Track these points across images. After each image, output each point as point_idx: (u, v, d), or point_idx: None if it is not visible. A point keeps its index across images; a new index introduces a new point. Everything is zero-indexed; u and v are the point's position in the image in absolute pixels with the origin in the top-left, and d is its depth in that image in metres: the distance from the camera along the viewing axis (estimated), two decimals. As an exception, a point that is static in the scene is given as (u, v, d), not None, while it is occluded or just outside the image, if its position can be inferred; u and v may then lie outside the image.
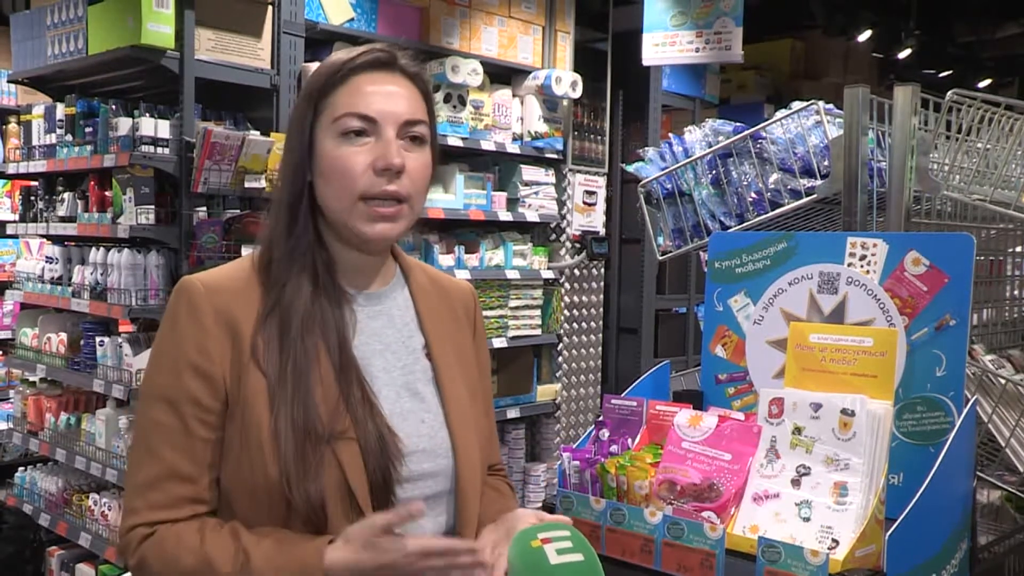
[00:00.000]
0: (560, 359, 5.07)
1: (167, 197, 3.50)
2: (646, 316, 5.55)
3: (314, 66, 1.44)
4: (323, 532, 1.26)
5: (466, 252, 4.48)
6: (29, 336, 4.16)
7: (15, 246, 5.16)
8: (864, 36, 7.50)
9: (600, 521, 1.64)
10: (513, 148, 4.71)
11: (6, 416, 4.89)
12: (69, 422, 3.92)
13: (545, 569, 1.23)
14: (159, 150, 3.41)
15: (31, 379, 4.25)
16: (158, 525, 1.27)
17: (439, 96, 4.31)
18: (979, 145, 2.08)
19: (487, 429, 1.52)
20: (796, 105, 2.23)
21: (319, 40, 4.00)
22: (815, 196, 2.13)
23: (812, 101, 2.19)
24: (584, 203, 5.07)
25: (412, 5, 4.32)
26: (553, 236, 5.03)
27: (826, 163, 2.12)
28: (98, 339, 3.70)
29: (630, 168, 2.62)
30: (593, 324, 5.28)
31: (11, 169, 4.24)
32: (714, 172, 2.33)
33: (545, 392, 4.99)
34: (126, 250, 3.53)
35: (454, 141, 4.39)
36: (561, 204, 4.98)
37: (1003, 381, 1.96)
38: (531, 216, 4.78)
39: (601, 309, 5.34)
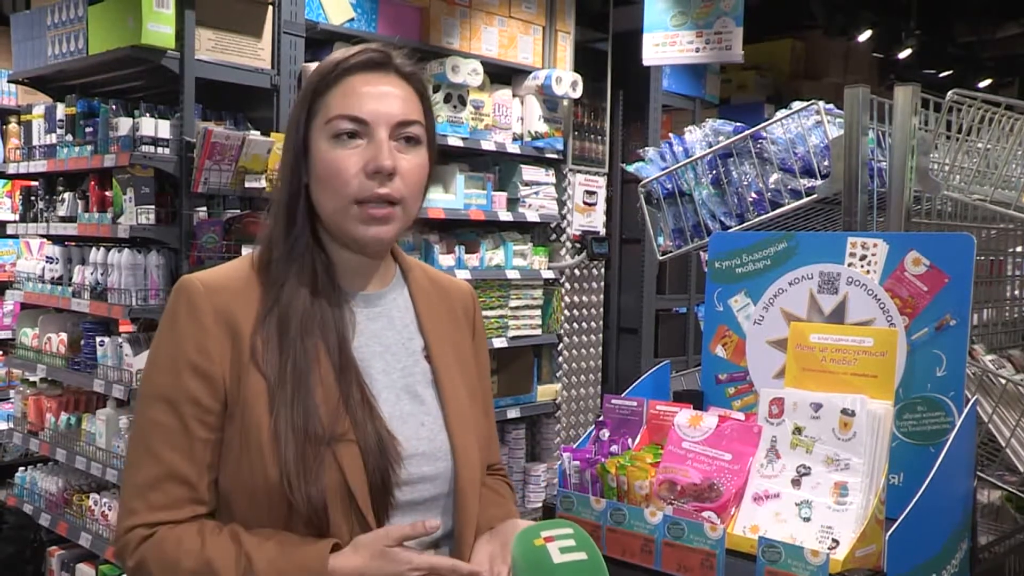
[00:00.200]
0: (560, 359, 5.07)
1: (167, 197, 3.50)
2: (646, 316, 5.55)
3: (314, 66, 1.43)
4: (325, 534, 1.25)
5: (466, 252, 4.48)
6: (29, 336, 4.16)
7: (15, 246, 5.16)
8: (864, 36, 7.50)
9: (600, 521, 1.64)
10: (513, 148, 4.71)
11: (6, 416, 4.90)
12: (69, 422, 3.92)
13: (548, 568, 1.22)
14: (159, 150, 3.41)
15: (31, 379, 4.24)
16: (158, 526, 1.26)
17: (439, 96, 4.31)
18: (979, 145, 2.07)
19: (487, 429, 1.52)
20: (796, 105, 2.23)
21: (319, 40, 4.00)
22: (815, 196, 2.12)
23: (812, 101, 2.19)
24: (584, 203, 5.07)
25: (412, 5, 4.32)
26: (553, 236, 5.03)
27: (826, 163, 2.12)
28: (98, 339, 3.70)
29: (630, 168, 2.62)
30: (593, 324, 5.28)
31: (11, 169, 4.24)
32: (714, 172, 2.33)
33: (545, 392, 4.99)
34: (126, 250, 3.53)
35: (454, 141, 4.39)
36: (561, 204, 4.98)
37: (1003, 381, 1.96)
38: (531, 216, 4.78)
39: (601, 309, 5.33)
